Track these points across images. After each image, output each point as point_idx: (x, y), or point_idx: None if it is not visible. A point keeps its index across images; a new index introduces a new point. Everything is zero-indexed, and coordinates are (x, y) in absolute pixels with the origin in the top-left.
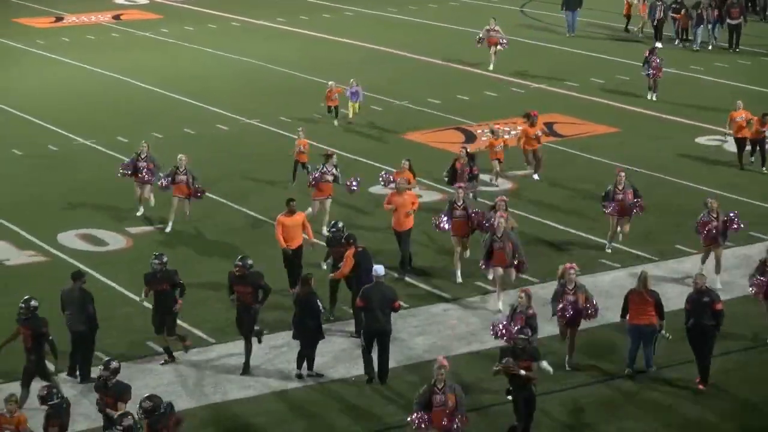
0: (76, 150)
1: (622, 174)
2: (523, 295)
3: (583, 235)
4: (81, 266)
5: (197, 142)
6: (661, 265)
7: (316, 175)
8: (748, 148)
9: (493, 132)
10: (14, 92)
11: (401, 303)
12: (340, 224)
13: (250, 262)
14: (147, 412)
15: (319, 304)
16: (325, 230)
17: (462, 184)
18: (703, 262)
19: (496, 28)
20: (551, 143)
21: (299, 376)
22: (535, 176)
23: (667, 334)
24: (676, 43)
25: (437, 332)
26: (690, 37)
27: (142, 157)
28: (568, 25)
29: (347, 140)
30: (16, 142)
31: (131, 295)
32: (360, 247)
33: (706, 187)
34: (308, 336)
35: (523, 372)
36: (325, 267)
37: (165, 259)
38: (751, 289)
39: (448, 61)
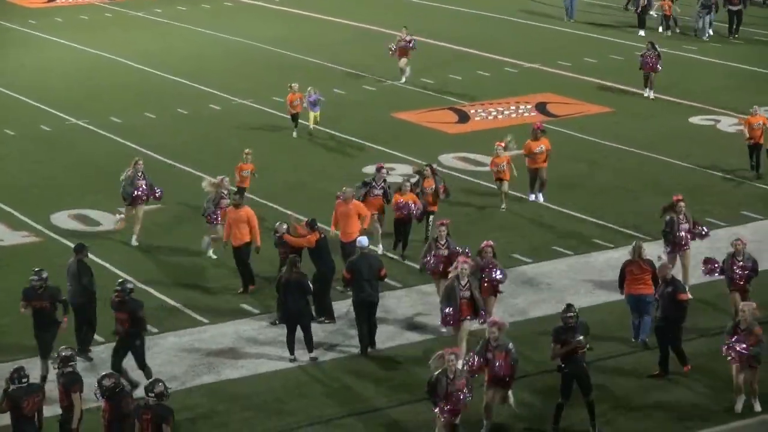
0: (69, 130)
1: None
2: (495, 329)
3: (576, 215)
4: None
5: (190, 122)
6: (653, 245)
7: (363, 191)
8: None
9: (505, 147)
10: (7, 72)
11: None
12: (285, 226)
13: (129, 286)
14: (108, 390)
15: (310, 285)
16: (380, 248)
17: (445, 221)
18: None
19: (407, 38)
20: (544, 122)
21: (293, 360)
22: (540, 197)
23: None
24: (661, 30)
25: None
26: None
27: (139, 175)
28: (567, 10)
29: (337, 121)
30: (8, 123)
31: (124, 275)
32: (323, 235)
33: (699, 167)
34: (304, 319)
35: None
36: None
37: (45, 275)
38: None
39: (440, 40)
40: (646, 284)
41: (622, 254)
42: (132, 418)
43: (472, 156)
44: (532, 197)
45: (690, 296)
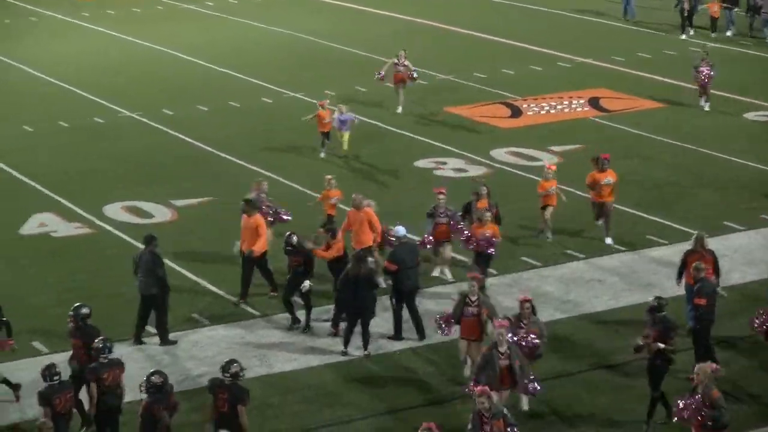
0: (122, 122)
1: None
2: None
3: (630, 211)
4: (126, 238)
5: (242, 115)
6: (709, 242)
7: (431, 223)
8: None
9: (551, 174)
10: (60, 65)
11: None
12: (294, 238)
13: (84, 311)
14: (154, 387)
15: (378, 280)
16: (448, 274)
17: (477, 275)
18: None
19: (405, 62)
20: (597, 118)
21: (344, 354)
22: (608, 240)
23: (723, 292)
24: (714, 35)
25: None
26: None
27: (262, 196)
28: (625, 10)
29: (388, 114)
30: (62, 115)
31: (176, 268)
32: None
33: (753, 163)
34: (367, 315)
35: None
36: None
37: None
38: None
39: (492, 34)
40: (707, 273)
41: (675, 251)
42: (165, 421)
43: (524, 151)
44: (607, 242)
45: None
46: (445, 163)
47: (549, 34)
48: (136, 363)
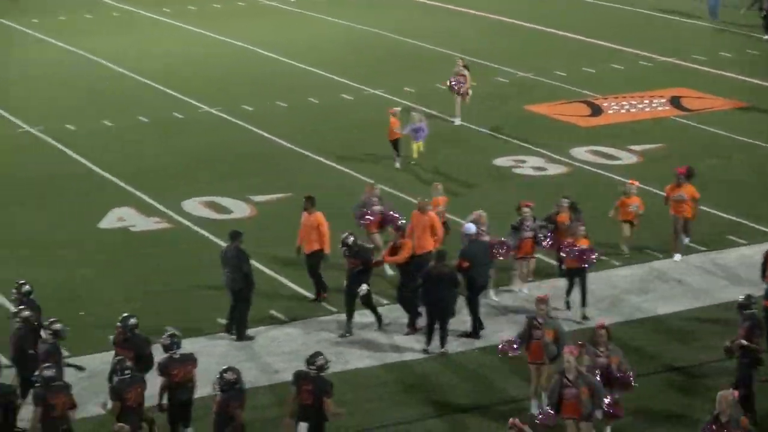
0: (202, 118)
1: None
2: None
3: (710, 211)
4: (205, 233)
5: (321, 111)
6: None
7: (515, 238)
8: None
9: (625, 192)
10: (141, 60)
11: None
12: (351, 239)
13: (132, 321)
14: (227, 384)
15: (459, 278)
16: (525, 291)
17: (544, 297)
18: None
19: (463, 72)
20: (678, 117)
21: (426, 352)
22: (677, 256)
23: None
24: None
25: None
26: None
27: (374, 200)
28: (710, 10)
29: (466, 112)
30: (142, 110)
31: (253, 263)
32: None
33: None
34: (447, 313)
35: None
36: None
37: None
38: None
39: (573, 32)
40: None
41: (756, 251)
42: (240, 419)
43: (604, 150)
44: (678, 257)
45: None
46: (524, 162)
47: (631, 32)
48: (211, 358)
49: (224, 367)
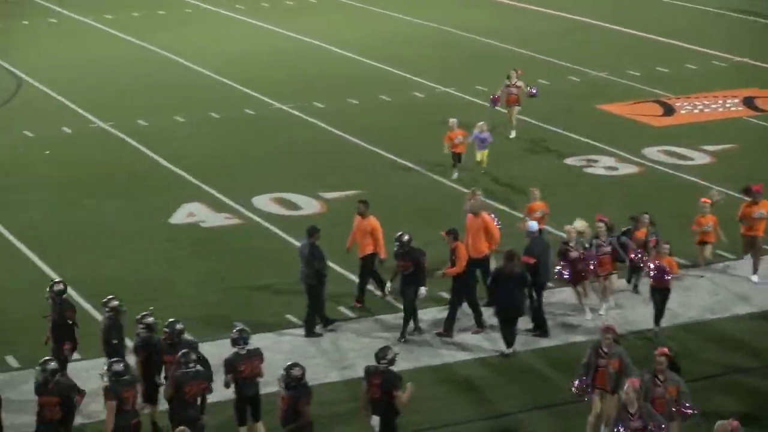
0: (273, 114)
1: None
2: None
3: None
4: (274, 229)
5: (393, 109)
6: None
7: (593, 252)
8: None
9: (712, 204)
10: (213, 56)
11: None
12: (406, 237)
13: (179, 327)
14: (294, 380)
15: (528, 277)
16: (604, 309)
17: (612, 327)
18: None
19: (518, 83)
20: (751, 117)
21: (507, 356)
22: (755, 278)
23: None
24: None
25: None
26: None
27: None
28: None
29: (537, 108)
30: (213, 106)
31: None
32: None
33: None
34: (517, 313)
35: None
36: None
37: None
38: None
39: (647, 31)
40: None
41: None
42: (306, 417)
43: (677, 150)
44: (754, 279)
45: None
46: (596, 162)
47: (705, 32)
48: (278, 354)
49: (290, 363)
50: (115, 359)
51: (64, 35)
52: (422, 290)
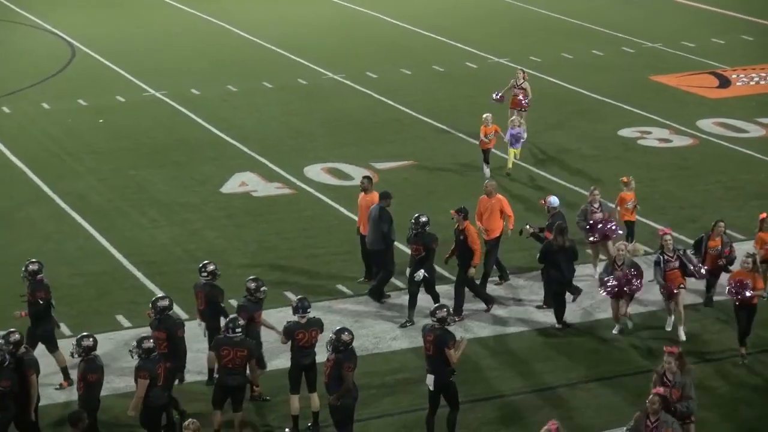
0: (325, 84)
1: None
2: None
3: None
4: (326, 199)
5: (445, 80)
6: None
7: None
8: None
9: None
10: (265, 26)
11: None
12: (423, 219)
13: (240, 323)
14: (343, 345)
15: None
16: (682, 334)
17: (675, 349)
18: None
19: (524, 85)
20: None
21: (561, 328)
22: None
23: None
24: None
25: None
26: None
27: (595, 206)
28: None
29: (592, 80)
30: (266, 75)
31: None
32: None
33: None
34: (567, 285)
35: None
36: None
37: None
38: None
39: (703, 2)
40: None
41: None
42: (348, 381)
43: (731, 122)
44: None
45: None
46: (649, 133)
47: (762, 3)
48: (327, 324)
49: (340, 328)
50: (145, 336)
51: (118, 4)
52: (420, 272)
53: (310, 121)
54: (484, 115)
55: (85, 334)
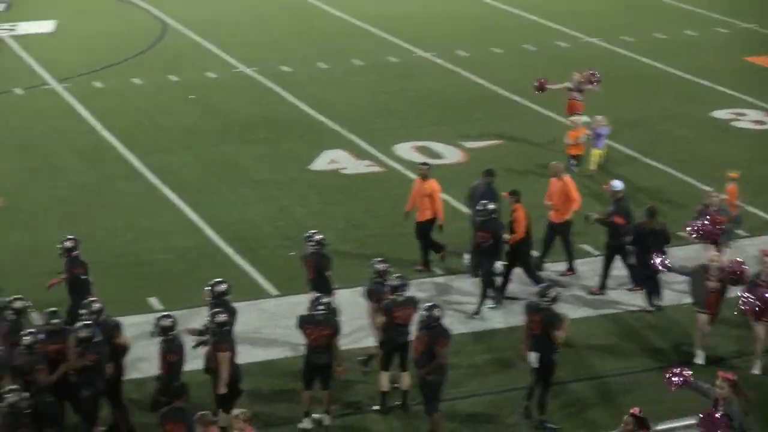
0: (416, 62)
1: None
2: None
3: None
4: (414, 177)
5: (537, 59)
6: None
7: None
8: None
9: None
10: (356, 3)
11: None
12: (492, 206)
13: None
14: (435, 321)
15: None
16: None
17: (730, 376)
18: None
19: (583, 87)
20: None
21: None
22: None
23: None
24: None
25: None
26: None
27: (711, 209)
28: None
29: (685, 58)
30: (357, 53)
31: (463, 209)
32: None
33: None
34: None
35: None
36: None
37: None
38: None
39: None
40: None
41: None
42: (441, 358)
43: None
44: None
45: None
46: (744, 115)
47: None
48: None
49: (430, 304)
50: (219, 309)
51: None
52: (498, 264)
53: (400, 99)
54: (574, 118)
55: (164, 314)
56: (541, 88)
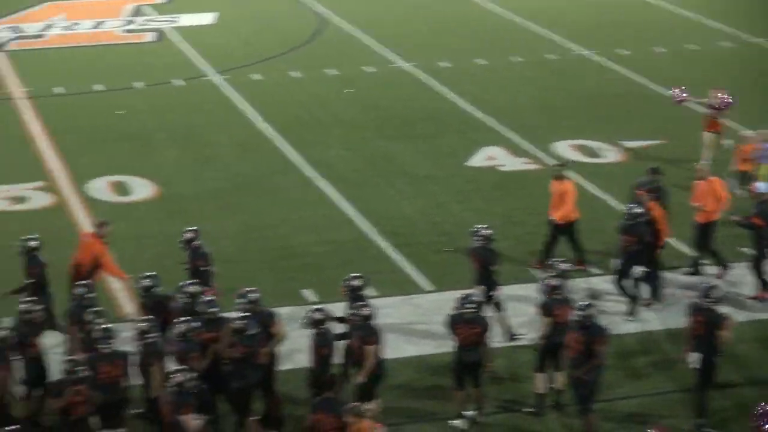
0: (574, 60)
1: None
2: None
3: None
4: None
5: (701, 59)
6: None
7: None
8: None
9: None
10: None
11: None
12: (637, 209)
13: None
14: (590, 319)
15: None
16: None
17: None
18: None
19: (723, 103)
20: None
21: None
22: None
23: None
24: None
25: None
26: None
27: None
28: None
29: None
30: (515, 49)
31: (620, 209)
32: None
33: None
34: None
35: None
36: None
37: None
38: None
39: None
40: None
41: None
42: (599, 359)
43: None
44: None
45: None
46: None
47: None
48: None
49: (584, 303)
50: (362, 303)
51: None
52: (638, 270)
53: (557, 96)
54: (746, 132)
55: (316, 307)
56: (680, 102)
